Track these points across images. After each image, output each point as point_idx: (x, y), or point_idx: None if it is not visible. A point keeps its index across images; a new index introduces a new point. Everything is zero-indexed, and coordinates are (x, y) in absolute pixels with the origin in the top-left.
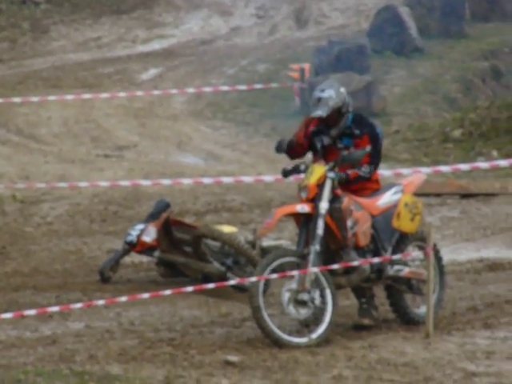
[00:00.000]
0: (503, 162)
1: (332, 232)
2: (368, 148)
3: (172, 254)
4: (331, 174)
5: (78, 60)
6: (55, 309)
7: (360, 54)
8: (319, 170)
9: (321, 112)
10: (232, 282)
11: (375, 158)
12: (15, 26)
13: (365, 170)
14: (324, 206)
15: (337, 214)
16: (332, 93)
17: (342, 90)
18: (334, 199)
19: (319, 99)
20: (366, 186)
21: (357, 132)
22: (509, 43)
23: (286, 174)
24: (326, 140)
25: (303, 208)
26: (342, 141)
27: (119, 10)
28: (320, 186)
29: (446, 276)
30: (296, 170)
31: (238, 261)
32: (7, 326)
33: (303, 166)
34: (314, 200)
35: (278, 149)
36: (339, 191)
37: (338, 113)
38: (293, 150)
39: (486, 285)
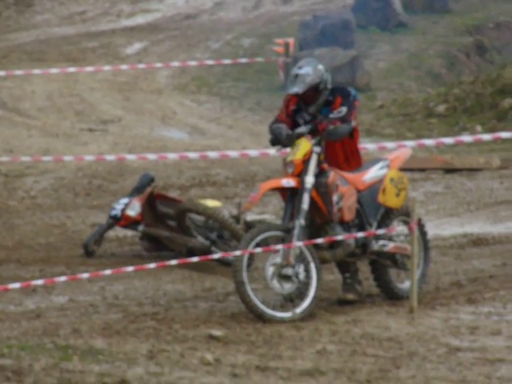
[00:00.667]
0: (487, 136)
1: (317, 206)
2: (354, 122)
3: (156, 228)
4: (317, 149)
5: (62, 34)
6: (39, 282)
7: (344, 29)
8: (305, 145)
9: (297, 88)
10: (216, 256)
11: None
12: None
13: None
14: (309, 180)
15: (322, 188)
16: (309, 70)
17: (320, 67)
18: (320, 173)
19: (296, 76)
20: (349, 159)
21: (330, 98)
22: (493, 18)
23: (278, 142)
24: (307, 117)
25: (289, 182)
26: (322, 113)
27: None
28: (306, 160)
29: (431, 251)
30: (288, 137)
31: (222, 235)
32: None
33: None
34: (300, 174)
35: (278, 138)
36: (325, 165)
37: (315, 89)
38: None
39: (469, 260)
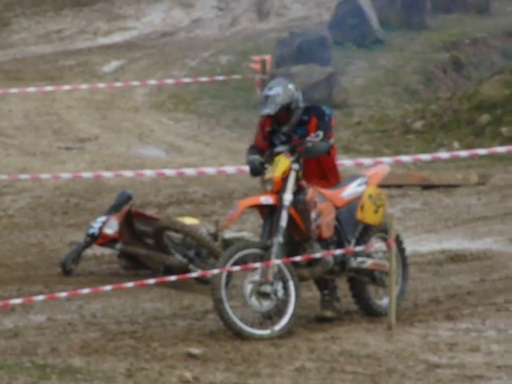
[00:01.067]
0: (464, 153)
1: (296, 224)
2: (332, 140)
3: (134, 247)
4: (295, 166)
5: (39, 52)
6: (17, 301)
7: (321, 46)
8: (284, 162)
9: (268, 110)
10: (194, 275)
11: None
12: None
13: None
14: (288, 197)
15: (301, 205)
16: (279, 90)
17: (291, 86)
18: (299, 191)
19: (267, 97)
20: (327, 176)
21: (305, 118)
22: (469, 34)
23: (256, 173)
24: (282, 137)
25: (267, 200)
26: (296, 133)
27: (80, 2)
28: (284, 178)
29: (409, 267)
30: (263, 166)
31: (200, 253)
32: None
33: (267, 157)
34: (279, 192)
35: (255, 171)
36: (304, 183)
37: (287, 109)
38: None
39: (448, 276)
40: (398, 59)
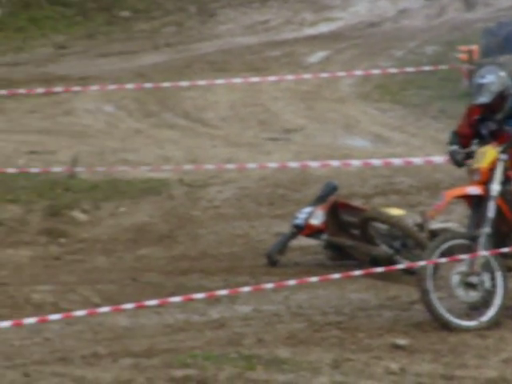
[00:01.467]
0: None
1: (503, 214)
2: None
3: (340, 237)
4: (503, 156)
5: (245, 43)
6: (223, 292)
7: None
8: (492, 152)
9: (484, 98)
10: (401, 266)
11: None
12: (182, 10)
13: None
14: (496, 188)
15: (509, 196)
16: (493, 78)
17: (502, 73)
18: (506, 181)
19: (480, 86)
20: None
21: None
22: None
23: (460, 164)
24: (493, 125)
25: (474, 190)
26: (508, 123)
27: None
28: (492, 168)
29: None
30: (469, 157)
31: (406, 244)
32: (175, 310)
33: (474, 147)
34: (486, 182)
35: (455, 163)
36: (511, 173)
37: (500, 97)
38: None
39: None
40: None
